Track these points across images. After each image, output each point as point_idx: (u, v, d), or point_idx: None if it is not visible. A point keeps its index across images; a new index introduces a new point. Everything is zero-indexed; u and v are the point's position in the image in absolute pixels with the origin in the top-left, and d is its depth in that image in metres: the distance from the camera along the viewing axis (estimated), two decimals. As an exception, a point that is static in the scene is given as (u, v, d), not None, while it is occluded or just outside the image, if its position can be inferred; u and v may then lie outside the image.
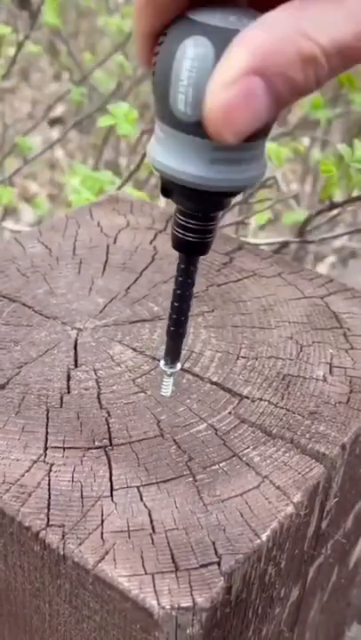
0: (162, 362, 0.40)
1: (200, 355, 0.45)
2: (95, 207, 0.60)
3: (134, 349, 0.45)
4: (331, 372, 0.44)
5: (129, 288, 0.50)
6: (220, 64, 0.26)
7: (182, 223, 0.33)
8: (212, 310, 0.49)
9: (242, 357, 0.45)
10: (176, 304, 0.37)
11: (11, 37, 0.99)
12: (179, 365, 0.40)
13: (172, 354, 0.39)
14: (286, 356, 0.45)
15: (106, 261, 0.53)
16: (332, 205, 0.71)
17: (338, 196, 0.71)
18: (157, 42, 0.30)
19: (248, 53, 0.25)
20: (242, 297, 0.50)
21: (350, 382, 0.44)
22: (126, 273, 0.52)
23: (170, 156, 0.30)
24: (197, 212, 0.33)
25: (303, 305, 0.50)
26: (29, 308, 0.48)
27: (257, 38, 0.25)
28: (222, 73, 0.25)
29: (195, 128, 0.28)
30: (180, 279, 0.36)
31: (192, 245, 0.34)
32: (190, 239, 0.33)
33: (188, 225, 0.33)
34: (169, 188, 0.32)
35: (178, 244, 0.34)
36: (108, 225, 0.58)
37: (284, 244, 0.82)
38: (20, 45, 0.92)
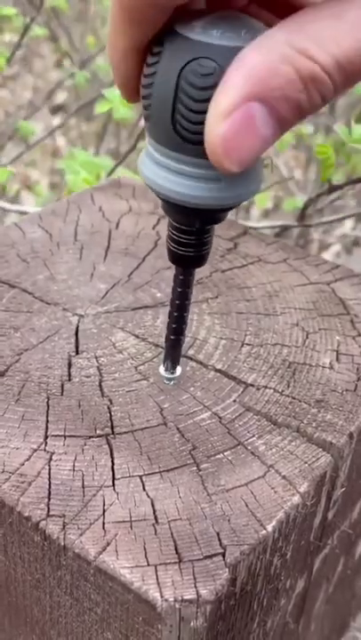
0: (161, 367, 0.39)
1: (204, 342, 0.44)
2: (97, 192, 0.59)
3: (137, 336, 0.44)
4: (338, 359, 0.43)
5: (131, 274, 0.49)
6: (217, 91, 0.24)
7: (176, 238, 0.33)
8: (217, 297, 0.48)
9: (247, 344, 0.44)
10: (175, 313, 0.37)
11: (17, 23, 0.98)
12: (179, 370, 0.39)
13: (172, 359, 0.39)
14: (292, 344, 0.44)
15: (108, 247, 0.52)
16: (331, 188, 0.70)
17: (340, 180, 0.70)
18: (144, 60, 0.28)
19: (244, 78, 0.24)
20: (247, 283, 0.49)
21: (357, 370, 0.43)
22: (128, 258, 0.51)
23: (163, 174, 0.30)
24: (192, 228, 0.32)
25: (309, 291, 0.49)
26: (29, 294, 0.47)
27: (253, 61, 0.24)
28: (218, 102, 0.24)
29: (195, 150, 0.28)
30: (179, 290, 0.36)
31: (188, 259, 0.33)
32: (186, 253, 0.33)
33: (182, 240, 0.33)
34: (163, 204, 0.32)
35: (173, 257, 0.34)
36: (110, 210, 0.57)
37: (285, 228, 0.81)
38: (26, 28, 0.91)
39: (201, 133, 0.27)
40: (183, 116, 0.27)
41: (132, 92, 0.30)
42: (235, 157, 0.25)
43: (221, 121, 0.24)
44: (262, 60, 0.23)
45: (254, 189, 0.30)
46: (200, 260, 0.34)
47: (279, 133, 0.25)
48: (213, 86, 0.26)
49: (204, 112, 0.26)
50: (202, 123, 0.26)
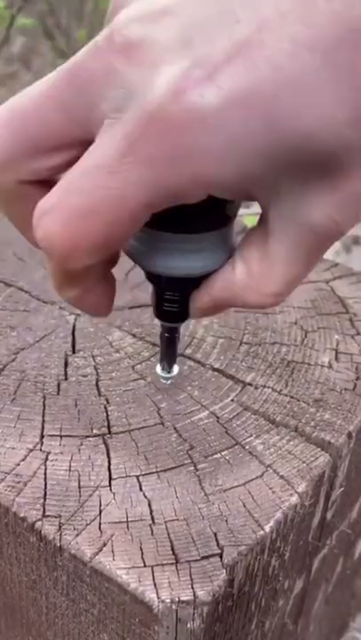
0: (158, 366, 0.39)
1: (202, 341, 0.43)
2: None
3: (134, 335, 0.44)
4: (336, 358, 0.43)
5: (128, 273, 0.49)
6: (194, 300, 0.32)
7: (161, 296, 0.34)
8: (214, 295, 0.47)
9: (245, 343, 0.43)
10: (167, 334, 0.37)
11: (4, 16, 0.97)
12: (176, 369, 0.39)
13: (168, 358, 0.38)
14: (291, 342, 0.44)
15: (105, 245, 0.52)
16: None
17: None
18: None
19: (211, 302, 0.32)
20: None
21: (356, 369, 0.42)
22: (125, 258, 0.51)
23: (144, 248, 0.31)
24: (177, 292, 0.34)
25: (308, 290, 0.49)
26: (26, 292, 0.47)
27: (224, 296, 0.31)
28: (195, 307, 0.33)
29: (183, 227, 0.29)
30: (167, 342, 0.37)
31: (172, 314, 0.35)
32: (170, 309, 0.34)
33: (166, 296, 0.34)
34: (146, 274, 0.33)
35: (158, 313, 0.35)
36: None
37: None
38: (12, 19, 0.91)
39: (187, 212, 0.28)
40: None
41: (107, 312, 0.32)
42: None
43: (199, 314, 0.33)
44: (229, 296, 0.31)
45: (230, 253, 0.31)
46: (184, 315, 0.35)
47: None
48: None
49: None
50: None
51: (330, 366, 0.42)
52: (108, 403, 0.39)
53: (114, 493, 0.33)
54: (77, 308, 0.31)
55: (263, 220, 0.28)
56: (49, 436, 0.36)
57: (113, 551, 0.31)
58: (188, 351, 0.42)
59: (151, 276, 0.33)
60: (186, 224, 0.29)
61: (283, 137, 0.22)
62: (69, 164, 0.25)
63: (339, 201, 0.25)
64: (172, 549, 0.31)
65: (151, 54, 0.23)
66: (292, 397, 0.40)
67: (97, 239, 0.25)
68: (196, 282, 0.32)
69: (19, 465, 0.34)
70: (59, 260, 0.26)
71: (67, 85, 0.25)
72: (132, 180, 0.23)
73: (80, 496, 0.33)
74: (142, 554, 0.31)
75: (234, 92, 0.22)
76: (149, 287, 0.47)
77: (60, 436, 0.36)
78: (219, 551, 0.31)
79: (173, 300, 0.34)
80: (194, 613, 0.29)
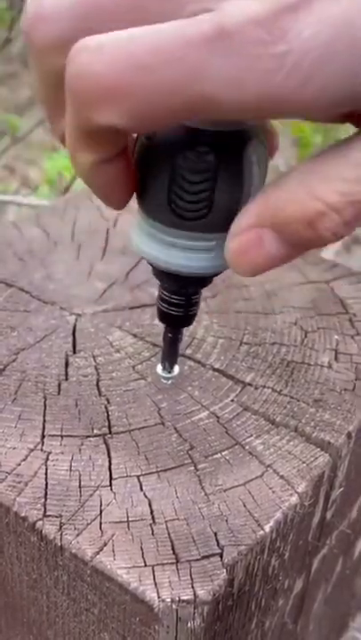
0: (159, 367, 0.39)
1: (202, 341, 0.44)
2: (95, 191, 0.59)
3: (134, 335, 0.44)
4: (336, 358, 0.43)
5: (129, 273, 0.49)
6: (241, 212, 0.27)
7: (166, 298, 0.34)
8: (215, 296, 0.47)
9: (245, 344, 0.44)
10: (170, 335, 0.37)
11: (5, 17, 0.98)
12: (177, 369, 0.39)
13: (170, 358, 0.39)
14: (291, 343, 0.44)
15: (105, 246, 0.52)
16: None
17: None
18: (119, 167, 0.28)
19: (258, 209, 0.27)
20: (245, 282, 0.49)
21: (356, 369, 0.42)
22: (126, 257, 0.51)
23: (156, 245, 0.31)
24: (181, 291, 0.34)
25: (308, 290, 0.49)
26: (26, 293, 0.47)
27: (270, 195, 0.26)
28: (235, 223, 0.28)
29: (189, 225, 0.29)
30: (169, 343, 0.38)
31: (177, 319, 0.35)
32: (175, 313, 0.35)
33: (173, 300, 0.34)
34: (154, 270, 0.33)
35: (163, 317, 0.35)
36: (108, 209, 0.56)
37: None
38: (13, 20, 0.91)
39: (196, 211, 0.29)
40: (179, 197, 0.29)
41: (120, 202, 0.30)
42: (242, 268, 0.28)
43: (232, 238, 0.28)
44: (277, 196, 0.26)
45: None
46: (189, 319, 0.36)
47: (293, 255, 0.27)
48: (208, 170, 0.28)
49: (200, 192, 0.28)
50: (197, 202, 0.28)
51: (330, 366, 0.42)
52: (108, 403, 0.39)
53: (114, 493, 0.33)
54: (92, 186, 0.28)
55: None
56: (50, 435, 0.36)
57: (114, 551, 0.31)
58: (189, 351, 0.43)
59: (162, 276, 0.33)
60: (199, 222, 0.29)
61: None
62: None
63: None
64: (173, 549, 0.31)
65: None
66: (291, 398, 0.40)
67: (140, 101, 0.22)
68: (203, 282, 0.33)
69: (20, 465, 0.34)
70: (85, 107, 0.23)
71: None
72: (212, 65, 0.22)
73: (81, 496, 0.33)
74: (143, 553, 0.31)
75: (325, 21, 0.21)
76: (150, 287, 0.48)
77: (61, 436, 0.36)
78: (219, 551, 0.31)
79: (179, 305, 0.34)
80: (194, 613, 0.29)
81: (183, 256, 0.31)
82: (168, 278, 0.33)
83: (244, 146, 0.28)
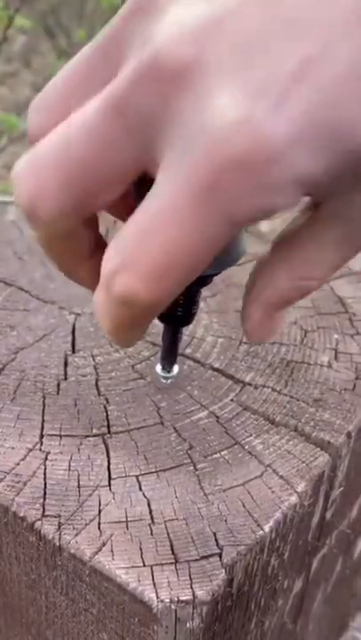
0: (158, 366, 0.39)
1: (201, 340, 0.43)
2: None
3: (134, 335, 0.44)
4: (336, 357, 0.43)
5: (129, 272, 0.49)
6: (244, 316, 0.31)
7: None
8: (214, 295, 0.47)
9: (244, 343, 0.43)
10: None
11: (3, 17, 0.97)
12: (176, 368, 0.39)
13: (169, 358, 0.39)
14: (290, 342, 0.44)
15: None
16: None
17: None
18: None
19: (263, 309, 0.30)
20: (245, 281, 0.48)
21: (356, 369, 0.42)
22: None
23: None
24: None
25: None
26: (26, 292, 0.47)
27: (266, 294, 0.29)
28: (247, 324, 0.31)
29: None
30: (168, 342, 0.38)
31: (177, 318, 0.35)
32: (175, 313, 0.35)
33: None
34: None
35: (162, 316, 0.35)
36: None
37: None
38: (10, 19, 0.91)
39: None
40: None
41: (138, 338, 0.31)
42: (267, 337, 0.31)
43: (253, 332, 0.31)
44: (273, 293, 0.29)
45: (239, 255, 0.32)
46: (189, 318, 0.36)
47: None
48: None
49: None
50: None
51: (329, 366, 0.42)
52: (107, 402, 0.39)
53: (113, 493, 0.33)
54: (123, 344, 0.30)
55: (315, 210, 0.27)
56: (48, 435, 0.36)
57: (112, 551, 0.31)
58: (188, 351, 0.43)
59: None
60: None
61: (351, 151, 0.21)
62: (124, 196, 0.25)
63: None
64: (172, 549, 0.31)
65: (207, 80, 0.21)
66: (291, 397, 0.40)
67: (180, 285, 0.24)
68: (202, 282, 0.33)
69: (18, 464, 0.34)
70: (138, 311, 0.25)
71: (113, 127, 0.23)
72: (211, 222, 0.22)
73: (79, 496, 0.33)
74: (142, 553, 0.31)
75: (304, 120, 0.20)
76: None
77: (60, 436, 0.36)
78: (218, 551, 0.31)
79: (179, 304, 0.34)
80: (193, 613, 0.29)
81: None
82: None
83: None
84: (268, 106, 0.20)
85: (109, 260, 0.24)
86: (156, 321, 0.44)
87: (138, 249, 0.23)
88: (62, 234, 0.27)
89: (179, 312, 0.35)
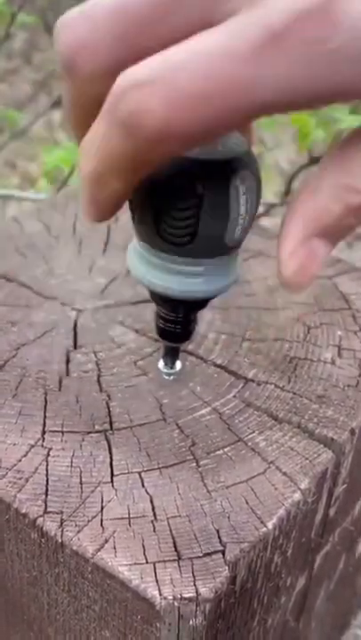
0: (160, 362, 0.39)
1: (204, 337, 0.43)
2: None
3: (136, 331, 0.43)
4: (339, 354, 0.43)
5: (130, 268, 0.49)
6: (283, 236, 0.27)
7: (164, 316, 0.35)
8: (217, 291, 0.47)
9: (247, 339, 0.43)
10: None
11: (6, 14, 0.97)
12: (179, 365, 0.39)
13: (172, 354, 0.38)
14: (293, 339, 0.44)
15: (107, 241, 0.52)
16: (312, 160, 0.69)
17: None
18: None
19: (303, 222, 0.26)
20: (247, 277, 0.48)
21: (359, 365, 0.42)
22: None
23: (150, 270, 0.31)
24: (179, 313, 0.35)
25: (310, 285, 0.48)
26: (27, 288, 0.46)
27: (308, 206, 0.26)
28: (284, 247, 0.27)
29: (177, 251, 0.30)
30: (167, 357, 0.38)
31: (175, 335, 0.35)
32: (173, 330, 0.35)
33: (170, 317, 0.35)
34: (150, 293, 0.33)
35: (161, 333, 0.36)
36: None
37: (271, 206, 0.81)
38: (13, 17, 0.90)
39: (182, 237, 0.29)
40: (166, 223, 0.29)
41: (106, 217, 0.29)
42: (302, 284, 0.28)
43: (287, 263, 0.27)
44: (315, 203, 0.26)
45: (233, 281, 0.33)
46: (187, 335, 0.36)
47: (334, 248, 0.28)
48: (193, 198, 0.28)
49: (185, 219, 0.28)
50: (183, 228, 0.29)
51: (333, 362, 0.42)
52: (109, 399, 0.38)
53: (116, 490, 0.33)
54: (92, 197, 0.27)
55: None
56: (50, 432, 0.36)
57: (115, 548, 0.30)
58: (191, 347, 0.42)
59: (156, 298, 0.34)
60: (186, 248, 0.30)
61: None
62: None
63: None
64: (175, 546, 0.31)
65: None
66: (294, 394, 0.39)
67: (198, 128, 0.22)
68: (197, 305, 0.34)
69: (20, 461, 0.34)
70: (143, 142, 0.23)
71: None
72: (265, 74, 0.21)
73: (82, 492, 0.33)
74: (144, 550, 0.30)
75: None
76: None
77: (62, 432, 0.36)
78: (221, 548, 0.31)
79: (176, 322, 0.35)
80: (196, 610, 0.29)
81: (175, 280, 0.31)
82: (163, 300, 0.34)
83: (232, 176, 0.29)
84: None
85: (132, 73, 0.22)
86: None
87: (169, 68, 0.21)
88: (96, 94, 0.24)
89: (177, 330, 0.35)
